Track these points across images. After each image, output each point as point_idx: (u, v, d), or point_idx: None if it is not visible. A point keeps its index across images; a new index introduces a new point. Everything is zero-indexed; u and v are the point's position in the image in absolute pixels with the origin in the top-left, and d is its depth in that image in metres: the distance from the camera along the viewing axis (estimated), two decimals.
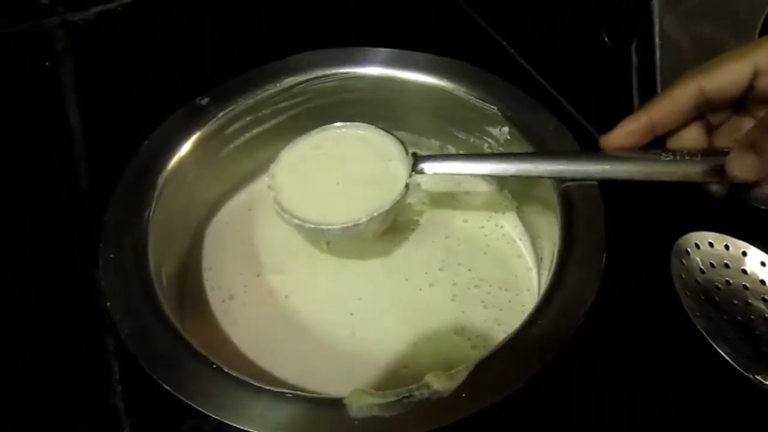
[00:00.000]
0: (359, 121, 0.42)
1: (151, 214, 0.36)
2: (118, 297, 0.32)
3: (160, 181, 0.37)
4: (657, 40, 0.38)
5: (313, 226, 0.38)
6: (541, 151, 0.38)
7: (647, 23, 0.39)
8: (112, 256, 0.34)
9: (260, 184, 0.45)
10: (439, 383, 0.29)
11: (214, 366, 0.30)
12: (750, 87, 0.34)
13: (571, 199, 0.36)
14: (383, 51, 0.44)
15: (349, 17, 0.59)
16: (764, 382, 0.35)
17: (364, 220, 0.37)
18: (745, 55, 0.33)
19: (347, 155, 0.41)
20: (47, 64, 0.58)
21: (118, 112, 0.53)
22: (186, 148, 0.39)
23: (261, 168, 0.45)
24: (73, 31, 0.61)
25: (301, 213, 0.38)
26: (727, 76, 0.33)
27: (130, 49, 0.58)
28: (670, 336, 0.37)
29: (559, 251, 0.34)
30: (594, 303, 0.32)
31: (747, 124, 0.36)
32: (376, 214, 0.37)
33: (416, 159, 0.39)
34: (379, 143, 0.41)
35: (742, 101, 0.35)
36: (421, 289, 0.40)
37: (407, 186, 0.39)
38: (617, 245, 0.35)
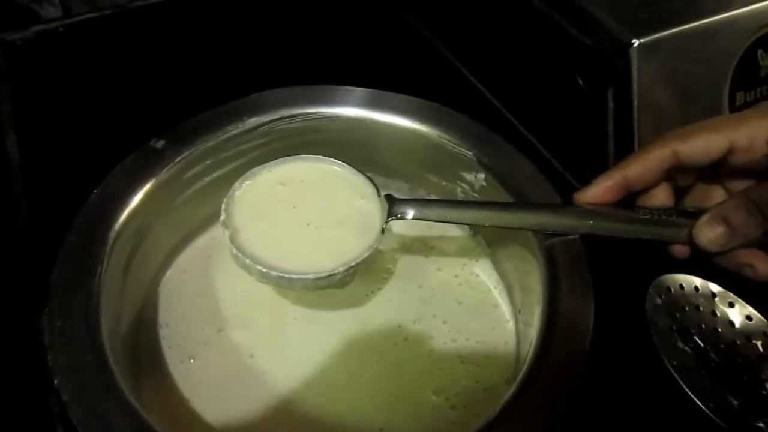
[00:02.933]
0: None
1: (102, 272, 0.33)
2: (68, 373, 0.29)
3: (112, 235, 0.34)
4: (635, 86, 0.38)
5: (280, 274, 0.34)
6: (525, 203, 0.37)
7: (625, 69, 0.38)
8: (59, 324, 0.30)
9: (220, 230, 0.42)
10: None
11: None
12: (723, 159, 0.34)
13: (554, 255, 0.35)
14: (354, 90, 0.41)
15: (320, 54, 0.56)
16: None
17: (340, 270, 0.34)
18: (723, 130, 0.34)
19: (314, 191, 0.37)
20: None
21: (61, 144, 0.49)
22: (139, 197, 0.36)
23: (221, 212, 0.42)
24: (10, 51, 0.56)
25: (265, 258, 0.34)
26: (702, 145, 0.34)
27: (75, 75, 0.54)
28: (657, 392, 0.37)
29: (544, 311, 0.33)
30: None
31: (714, 191, 0.37)
32: (354, 263, 0.34)
33: (391, 202, 0.36)
34: (349, 180, 0.38)
35: (712, 169, 0.36)
36: (395, 344, 0.38)
37: (383, 231, 0.36)
38: (597, 292, 0.34)
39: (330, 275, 0.34)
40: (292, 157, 0.38)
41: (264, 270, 0.34)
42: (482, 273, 0.41)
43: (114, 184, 0.36)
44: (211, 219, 0.42)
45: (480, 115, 0.41)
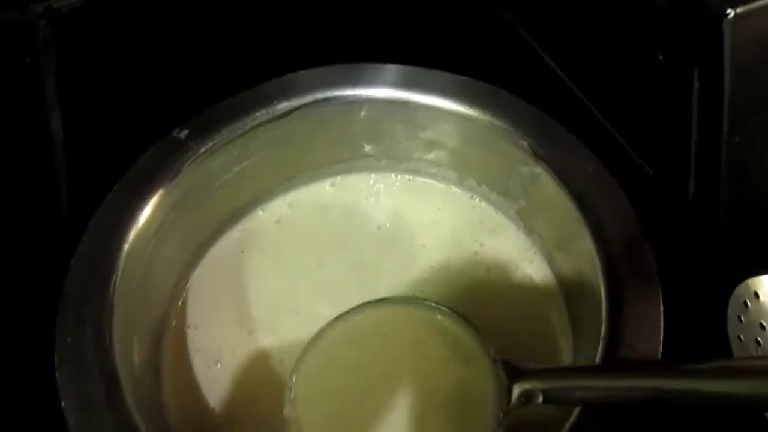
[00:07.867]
0: (370, 154, 0.37)
1: (117, 279, 0.31)
2: (75, 395, 0.27)
3: (128, 239, 0.32)
4: (727, 66, 0.31)
5: None
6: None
7: (715, 45, 0.31)
8: (69, 339, 0.29)
9: (253, 221, 0.40)
10: None
11: None
12: None
13: (616, 260, 0.30)
14: (395, 68, 0.37)
15: (359, 30, 0.50)
16: None
17: None
18: None
19: (391, 355, 0.30)
20: (28, 60, 0.52)
21: (107, 120, 0.47)
22: (160, 194, 0.33)
23: (254, 202, 0.40)
24: (56, 19, 0.55)
25: None
26: None
27: (123, 45, 0.52)
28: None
29: (604, 336, 0.29)
30: None
31: None
32: None
33: (512, 374, 0.26)
34: (447, 334, 0.29)
35: None
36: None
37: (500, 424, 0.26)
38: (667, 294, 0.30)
39: None
40: (364, 305, 0.31)
41: None
42: (536, 276, 0.37)
43: (133, 181, 0.34)
44: (242, 210, 0.39)
45: (549, 95, 0.36)
